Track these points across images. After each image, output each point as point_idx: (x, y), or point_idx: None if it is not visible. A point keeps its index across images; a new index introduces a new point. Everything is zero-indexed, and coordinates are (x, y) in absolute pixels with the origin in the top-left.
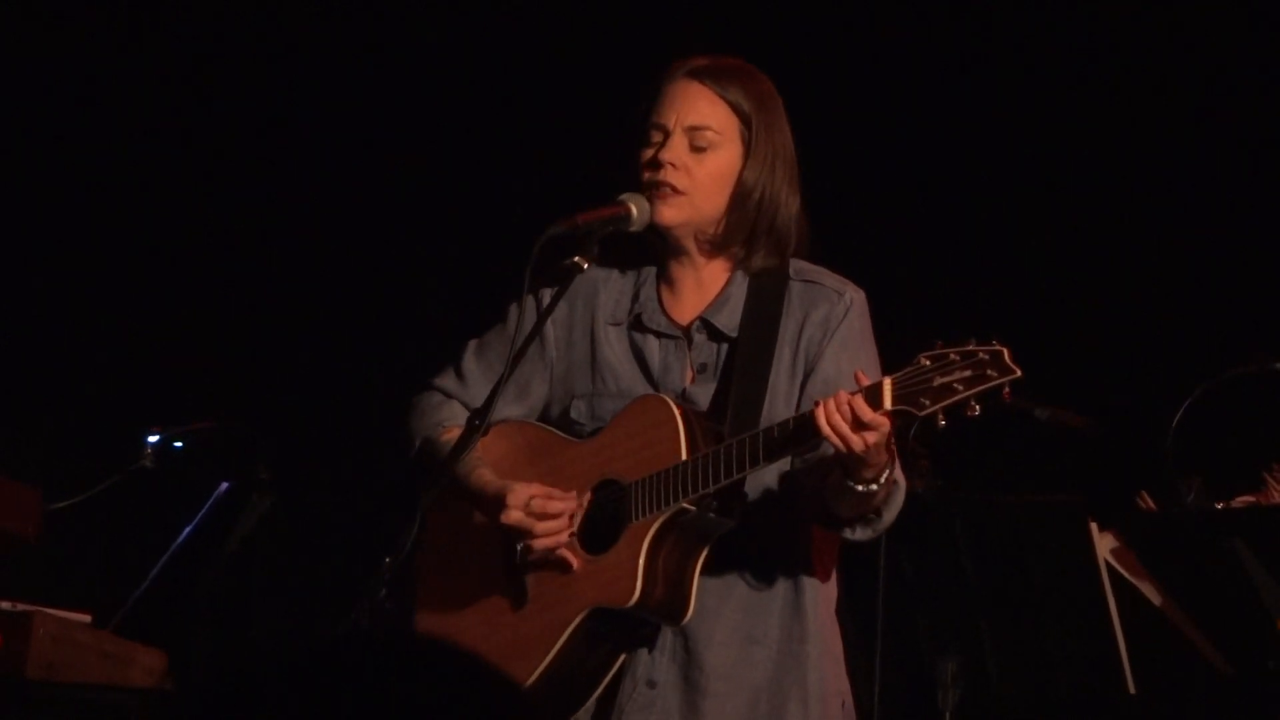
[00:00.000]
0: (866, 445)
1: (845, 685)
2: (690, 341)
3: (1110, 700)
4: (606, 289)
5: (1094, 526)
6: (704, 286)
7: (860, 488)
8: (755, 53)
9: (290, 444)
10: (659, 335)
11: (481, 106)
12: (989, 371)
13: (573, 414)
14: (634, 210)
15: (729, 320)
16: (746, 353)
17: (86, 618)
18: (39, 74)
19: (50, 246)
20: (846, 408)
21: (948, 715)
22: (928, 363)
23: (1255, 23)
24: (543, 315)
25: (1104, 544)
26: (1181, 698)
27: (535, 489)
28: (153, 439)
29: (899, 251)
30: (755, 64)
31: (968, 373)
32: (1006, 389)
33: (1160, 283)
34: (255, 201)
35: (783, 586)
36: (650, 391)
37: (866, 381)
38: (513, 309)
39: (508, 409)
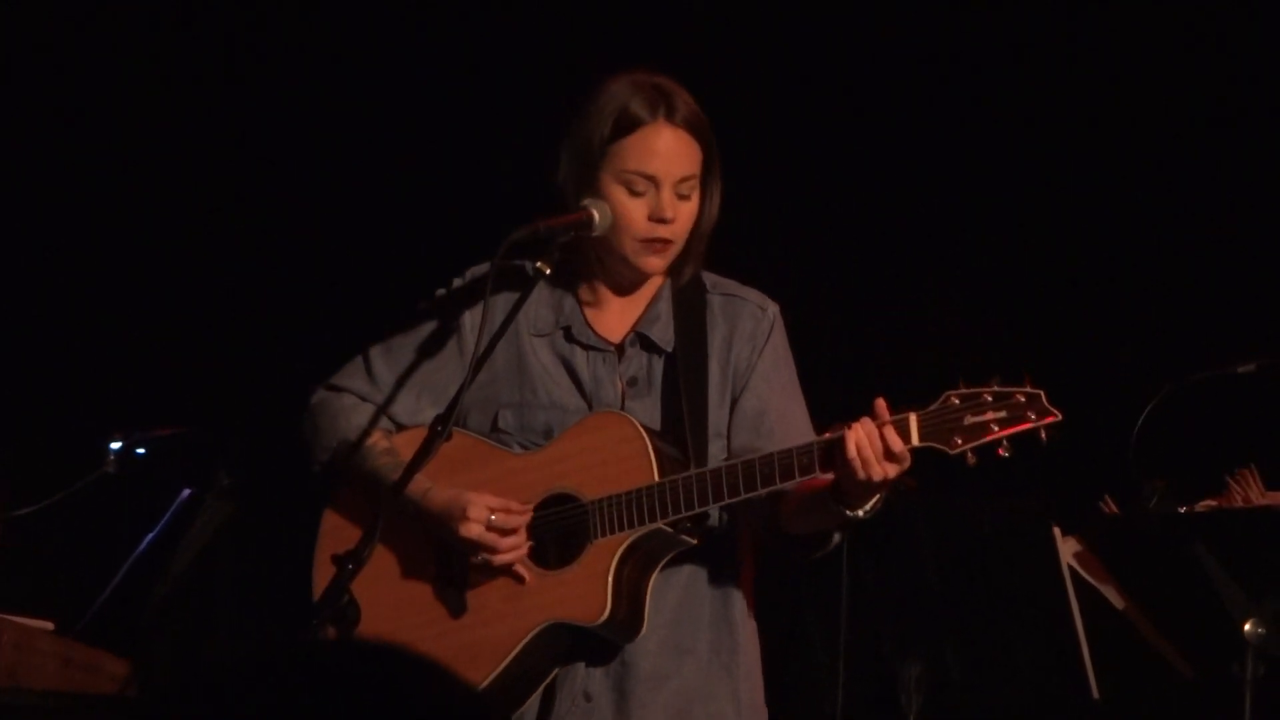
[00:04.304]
0: (886, 477)
1: (763, 706)
2: (621, 354)
3: (1074, 705)
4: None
5: (1057, 531)
6: (631, 300)
7: (849, 512)
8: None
9: (252, 450)
10: (586, 348)
11: (440, 116)
12: (1028, 413)
13: (500, 424)
14: (596, 216)
15: (663, 334)
16: (686, 369)
17: (49, 625)
18: None
19: (12, 253)
20: (878, 439)
21: (911, 719)
22: (957, 400)
23: (1196, 24)
24: (508, 317)
25: (1067, 548)
26: (1145, 702)
27: (493, 501)
28: (115, 445)
29: (861, 252)
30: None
31: (1002, 413)
32: (1043, 431)
33: (1124, 286)
34: (219, 209)
35: (711, 598)
36: (582, 404)
37: (888, 415)
38: (421, 309)
39: (424, 414)
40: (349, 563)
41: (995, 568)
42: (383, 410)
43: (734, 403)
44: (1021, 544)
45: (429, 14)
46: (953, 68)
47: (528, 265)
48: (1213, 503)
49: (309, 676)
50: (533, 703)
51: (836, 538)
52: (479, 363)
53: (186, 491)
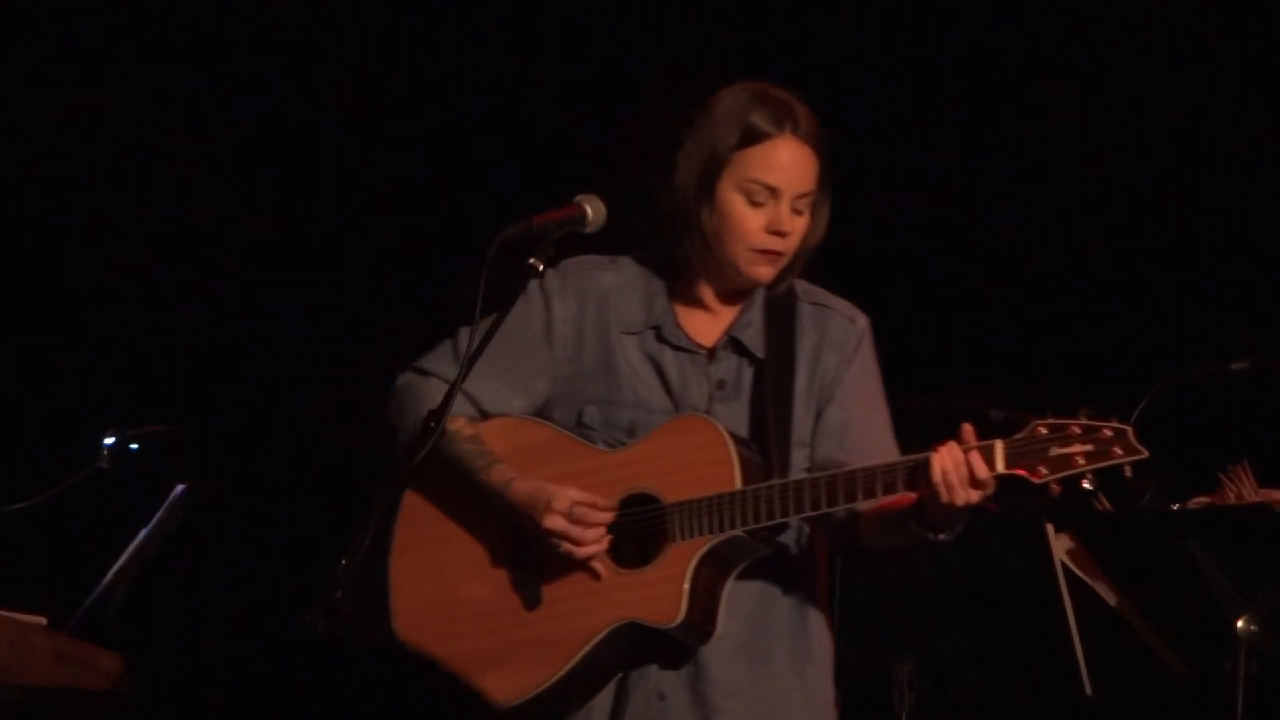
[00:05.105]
0: (969, 502)
1: (834, 713)
2: (711, 357)
3: (1066, 701)
4: (619, 297)
5: (1050, 527)
6: (724, 304)
7: (930, 535)
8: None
9: (246, 446)
10: (676, 349)
11: (427, 110)
12: (1114, 449)
13: (585, 419)
14: (589, 211)
15: (755, 340)
16: (774, 376)
17: (42, 620)
18: None
19: (6, 250)
20: (964, 465)
21: (904, 717)
22: (1044, 430)
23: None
24: (493, 326)
25: (1060, 545)
26: (1137, 699)
27: (576, 495)
28: (109, 441)
29: (852, 247)
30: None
31: (1089, 447)
32: (1128, 468)
33: (1117, 284)
34: (213, 206)
35: (789, 607)
36: (668, 404)
37: (975, 440)
38: (511, 297)
39: (510, 403)
40: (343, 556)
41: (988, 564)
42: (455, 390)
43: (819, 413)
44: (1014, 540)
45: (425, 12)
46: (951, 72)
47: (527, 263)
48: (1206, 499)
49: (298, 672)
50: (606, 700)
51: (896, 564)
52: (471, 360)
53: (180, 488)
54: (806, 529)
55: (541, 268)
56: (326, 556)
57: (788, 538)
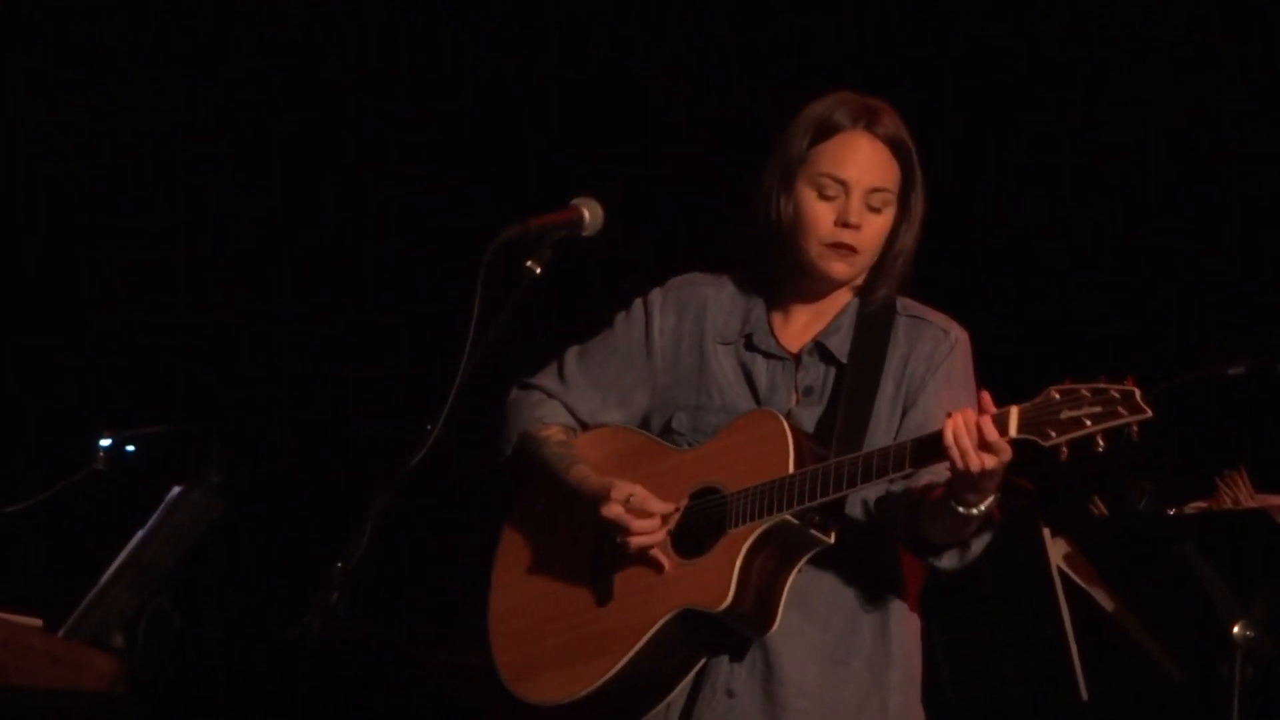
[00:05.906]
0: (984, 468)
1: (921, 714)
2: (799, 363)
3: (1063, 707)
4: (717, 306)
5: (1046, 532)
6: (818, 313)
7: (961, 509)
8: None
9: (242, 448)
10: (767, 356)
11: (425, 110)
12: (1119, 409)
13: (674, 424)
14: (586, 215)
15: (840, 346)
16: (854, 380)
17: (38, 622)
18: None
19: (3, 251)
20: (974, 427)
21: None
22: (1057, 395)
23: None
24: (501, 319)
25: (1056, 550)
26: (1134, 704)
27: (636, 487)
28: (105, 442)
29: None
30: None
31: (1097, 409)
32: (1135, 428)
33: (1114, 287)
34: (210, 208)
35: (870, 609)
36: (754, 409)
37: (993, 408)
38: (620, 317)
39: (608, 414)
40: (339, 559)
41: (983, 569)
42: (565, 404)
43: (903, 416)
44: (1010, 545)
45: (426, 13)
46: (948, 73)
47: (524, 266)
48: (1202, 505)
49: (293, 674)
50: (681, 695)
51: (953, 560)
52: (467, 363)
53: (176, 489)
54: (880, 524)
55: (539, 270)
56: (324, 558)
57: (868, 538)
